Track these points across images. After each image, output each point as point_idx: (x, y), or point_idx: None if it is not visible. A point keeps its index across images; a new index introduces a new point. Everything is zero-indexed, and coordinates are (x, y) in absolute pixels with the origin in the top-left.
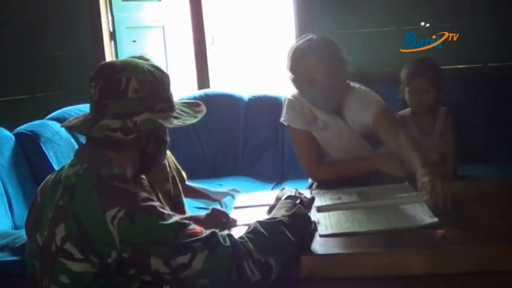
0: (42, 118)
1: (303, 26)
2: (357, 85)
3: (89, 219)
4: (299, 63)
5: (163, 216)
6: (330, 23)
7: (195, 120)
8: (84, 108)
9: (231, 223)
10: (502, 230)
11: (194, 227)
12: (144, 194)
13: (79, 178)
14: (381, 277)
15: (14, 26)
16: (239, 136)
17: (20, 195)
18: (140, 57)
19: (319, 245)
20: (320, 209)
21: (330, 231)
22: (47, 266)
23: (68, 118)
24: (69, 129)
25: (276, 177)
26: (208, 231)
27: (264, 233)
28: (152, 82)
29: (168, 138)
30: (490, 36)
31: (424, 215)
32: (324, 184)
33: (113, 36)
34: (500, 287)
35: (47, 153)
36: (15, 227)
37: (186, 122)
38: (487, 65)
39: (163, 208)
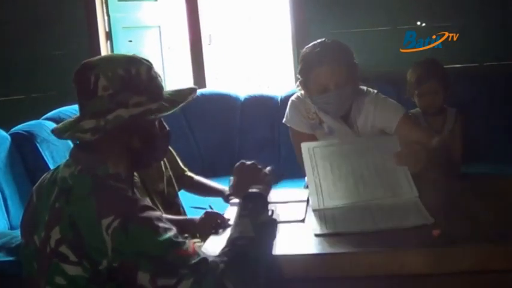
0: (38, 118)
1: (298, 25)
2: (365, 87)
3: (84, 225)
4: (311, 70)
5: (158, 230)
6: (326, 22)
7: (170, 112)
8: None
9: (225, 223)
10: (498, 229)
11: (187, 247)
12: (143, 202)
13: (75, 180)
14: (376, 276)
15: (10, 26)
16: (235, 136)
17: (16, 195)
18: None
19: (313, 245)
20: (316, 213)
21: (324, 231)
22: (44, 267)
23: (64, 118)
24: (52, 132)
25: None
26: (200, 256)
27: (240, 262)
28: (124, 77)
29: (157, 131)
30: (491, 36)
31: (419, 215)
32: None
33: (109, 36)
34: (496, 287)
35: (43, 153)
36: (11, 228)
37: (162, 114)
38: (483, 64)
39: (161, 220)
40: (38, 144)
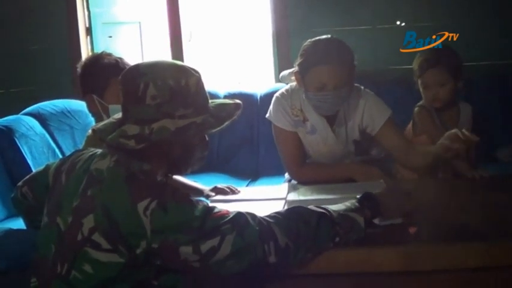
0: (17, 113)
1: (279, 23)
2: (356, 85)
3: (119, 212)
4: (312, 65)
5: (193, 204)
6: (307, 20)
7: (215, 129)
8: (59, 103)
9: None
10: (474, 228)
11: (220, 209)
12: (173, 186)
13: (109, 171)
14: (353, 274)
15: None
16: (214, 133)
17: None
18: (102, 53)
19: None
20: (291, 204)
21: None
22: (68, 253)
23: (43, 113)
24: (94, 132)
25: (250, 174)
26: (234, 212)
27: (294, 220)
28: (173, 88)
29: (196, 141)
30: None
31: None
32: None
33: (88, 31)
34: (472, 284)
35: (21, 148)
36: None
37: (207, 131)
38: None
39: (190, 195)
40: (16, 139)
